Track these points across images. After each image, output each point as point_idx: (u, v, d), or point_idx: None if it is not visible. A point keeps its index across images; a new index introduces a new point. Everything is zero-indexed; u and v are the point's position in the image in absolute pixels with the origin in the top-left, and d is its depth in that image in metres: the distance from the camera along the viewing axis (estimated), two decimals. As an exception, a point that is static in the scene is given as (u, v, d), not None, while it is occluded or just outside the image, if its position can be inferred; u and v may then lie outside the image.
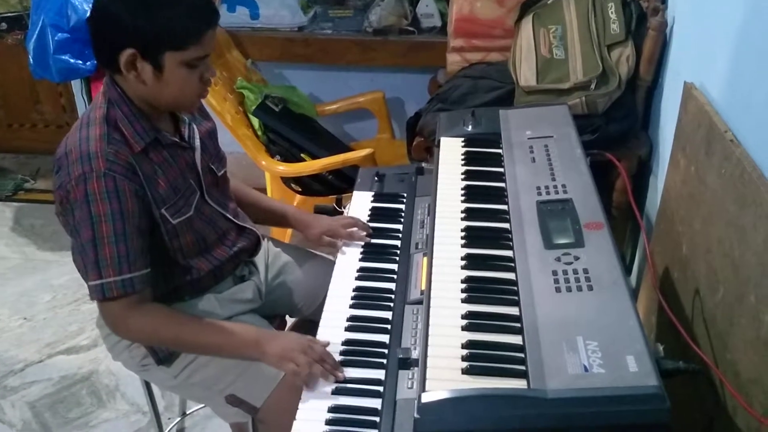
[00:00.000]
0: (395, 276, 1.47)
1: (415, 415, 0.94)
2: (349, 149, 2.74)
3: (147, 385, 1.68)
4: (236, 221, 1.53)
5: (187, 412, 2.11)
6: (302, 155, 2.57)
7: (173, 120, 1.44)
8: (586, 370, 0.95)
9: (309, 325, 1.62)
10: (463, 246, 1.28)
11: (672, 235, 1.70)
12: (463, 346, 1.04)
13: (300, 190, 2.56)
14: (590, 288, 1.10)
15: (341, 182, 2.56)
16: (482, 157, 1.57)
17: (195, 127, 1.46)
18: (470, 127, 1.70)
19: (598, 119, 2.04)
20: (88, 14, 1.31)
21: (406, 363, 1.19)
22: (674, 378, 0.99)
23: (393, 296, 1.41)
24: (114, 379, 2.31)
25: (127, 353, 1.48)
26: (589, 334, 1.01)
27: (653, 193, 2.05)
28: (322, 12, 2.79)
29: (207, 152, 1.48)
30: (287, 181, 2.55)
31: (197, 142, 1.45)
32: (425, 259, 1.49)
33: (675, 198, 1.72)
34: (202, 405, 2.09)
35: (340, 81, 2.92)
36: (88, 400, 2.25)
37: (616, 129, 2.06)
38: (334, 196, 2.55)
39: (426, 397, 0.95)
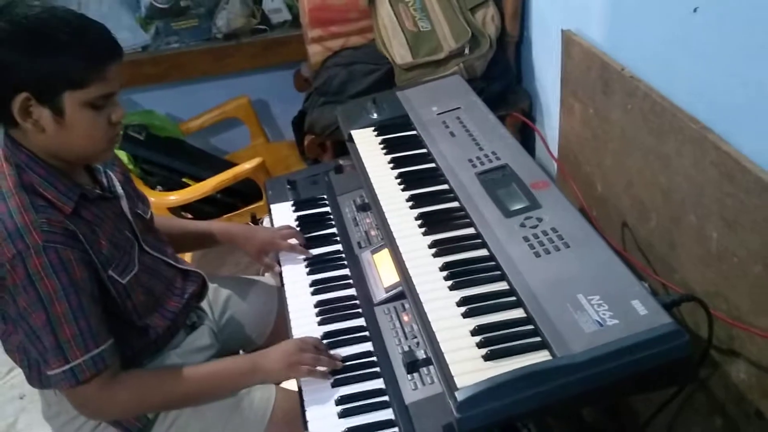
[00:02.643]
0: (351, 281, 1.43)
1: (456, 414, 0.92)
2: (227, 163, 2.63)
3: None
4: (179, 266, 1.41)
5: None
6: (183, 180, 2.42)
7: (89, 172, 1.30)
8: (600, 325, 0.97)
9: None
10: (424, 234, 1.26)
11: (580, 177, 1.77)
12: (473, 333, 1.03)
13: (191, 216, 2.41)
14: (566, 245, 1.12)
15: (232, 198, 2.44)
16: (401, 142, 1.55)
17: (111, 174, 1.32)
18: (375, 114, 1.67)
19: (480, 82, 2.08)
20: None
21: (415, 366, 1.15)
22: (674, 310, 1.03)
23: (357, 302, 1.37)
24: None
25: (92, 440, 1.32)
26: (587, 289, 1.03)
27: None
28: (164, 26, 2.62)
29: (130, 198, 1.35)
30: (175, 210, 2.39)
31: (119, 190, 1.32)
32: (375, 256, 1.46)
33: (576, 141, 1.79)
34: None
35: (199, 94, 2.77)
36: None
37: (497, 88, 2.13)
38: (227, 215, 2.43)
39: (461, 395, 0.93)
